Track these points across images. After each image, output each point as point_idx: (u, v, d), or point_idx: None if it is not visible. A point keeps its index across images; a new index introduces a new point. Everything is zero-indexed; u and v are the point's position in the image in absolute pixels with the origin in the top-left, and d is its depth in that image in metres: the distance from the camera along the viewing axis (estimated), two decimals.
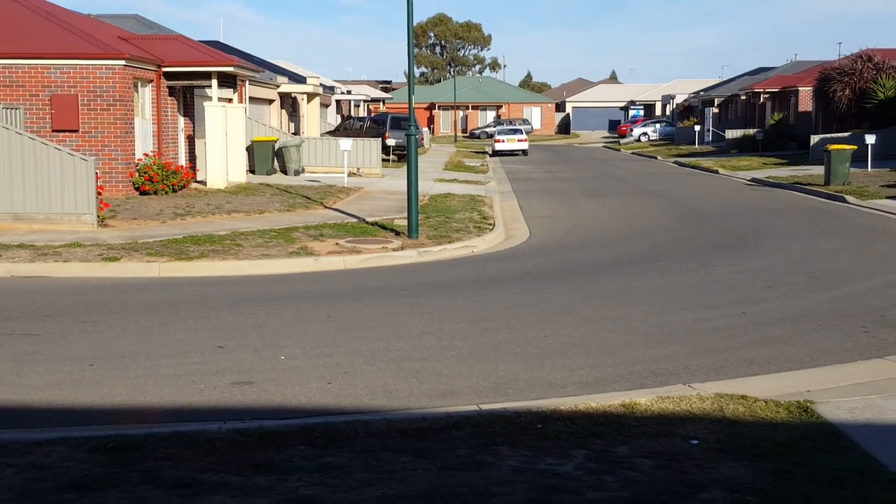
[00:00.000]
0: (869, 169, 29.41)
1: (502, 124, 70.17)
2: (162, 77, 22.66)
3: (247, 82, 30.37)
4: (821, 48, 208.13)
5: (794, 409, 6.61)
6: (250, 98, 31.94)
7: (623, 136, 73.53)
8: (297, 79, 41.75)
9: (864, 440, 6.01)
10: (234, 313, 10.38)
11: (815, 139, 36.93)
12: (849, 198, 22.74)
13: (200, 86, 23.96)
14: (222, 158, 23.40)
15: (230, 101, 25.82)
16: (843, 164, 25.68)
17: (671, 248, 15.68)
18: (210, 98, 23.49)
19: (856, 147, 27.35)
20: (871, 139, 29.87)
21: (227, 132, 23.58)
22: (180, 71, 23.00)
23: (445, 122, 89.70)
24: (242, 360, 8.33)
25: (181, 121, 24.36)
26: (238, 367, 8.07)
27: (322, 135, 39.31)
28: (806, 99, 48.54)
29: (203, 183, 23.67)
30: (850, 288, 11.66)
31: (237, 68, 23.88)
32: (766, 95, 56.24)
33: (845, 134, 36.09)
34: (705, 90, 75.98)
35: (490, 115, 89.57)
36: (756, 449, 5.77)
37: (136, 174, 20.98)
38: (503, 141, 51.69)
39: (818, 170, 28.65)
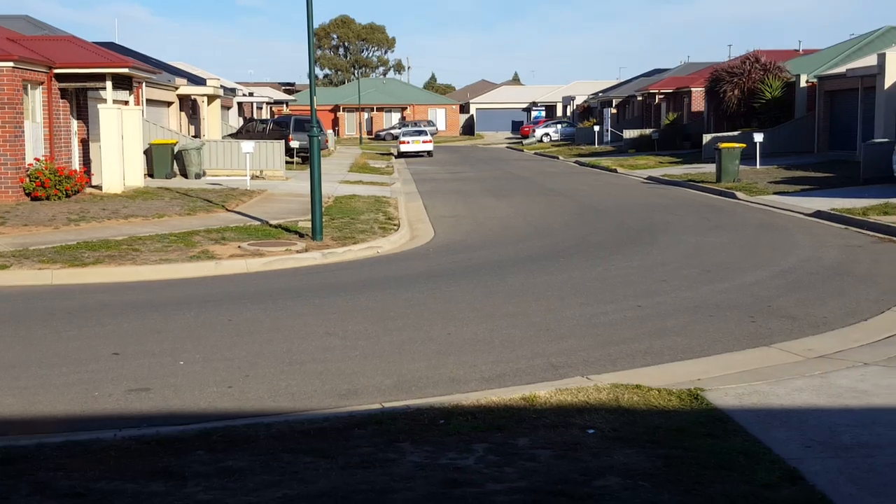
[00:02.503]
0: (758, 166, 30.59)
1: (407, 126, 70.30)
2: (53, 79, 21.94)
3: (143, 84, 29.66)
4: (712, 50, 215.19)
5: (686, 397, 6.85)
6: (148, 100, 31.21)
7: (526, 137, 74.57)
8: (197, 81, 40.95)
9: (750, 424, 6.28)
10: (132, 319, 10.16)
11: (707, 138, 38.21)
12: (739, 194, 23.61)
13: (94, 88, 23.30)
14: (118, 162, 22.82)
15: (126, 103, 25.16)
16: (733, 162, 26.66)
17: (571, 245, 16.01)
18: (105, 100, 22.86)
19: (745, 145, 28.42)
20: (759, 137, 31.10)
21: (123, 135, 23.01)
22: (72, 73, 22.31)
23: (350, 123, 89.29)
24: (140, 366, 8.16)
25: (74, 124, 23.62)
26: (135, 374, 7.91)
27: (224, 137, 38.68)
28: (699, 99, 50.15)
29: (99, 188, 23.02)
30: (740, 280, 12.13)
31: (132, 70, 23.31)
32: (661, 96, 57.89)
33: (735, 133, 37.44)
34: (604, 91, 77.65)
35: (395, 117, 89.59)
36: (649, 436, 5.96)
37: (27, 179, 20.27)
38: (408, 142, 51.83)
39: (710, 167, 29.65)
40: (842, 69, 34.54)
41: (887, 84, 29.30)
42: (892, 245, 14.83)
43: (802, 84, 38.89)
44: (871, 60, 31.64)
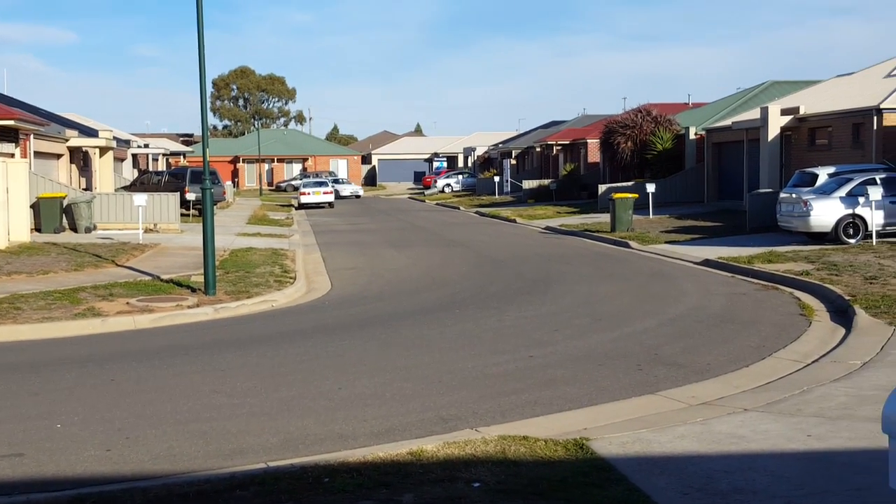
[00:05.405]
0: (651, 216, 31.57)
1: (309, 177, 70.05)
2: None
3: (31, 136, 28.81)
4: (607, 103, 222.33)
5: (571, 447, 6.93)
6: (36, 153, 30.31)
7: (428, 188, 75.21)
8: (89, 132, 40.05)
9: (632, 473, 6.39)
10: (7, 381, 9.73)
11: (602, 188, 39.29)
12: (632, 243, 24.27)
13: None
14: (2, 217, 22.01)
15: (12, 155, 24.38)
16: (626, 212, 27.45)
17: (468, 295, 16.13)
18: None
19: (638, 195, 29.38)
20: (651, 188, 32.17)
21: (7, 188, 22.25)
22: None
23: (250, 175, 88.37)
24: (13, 430, 7.81)
25: None
26: (8, 439, 7.56)
27: (117, 190, 37.76)
28: (594, 150, 51.62)
29: None
30: (629, 328, 12.41)
31: (18, 122, 22.70)
32: (559, 147, 59.40)
33: (629, 183, 38.62)
34: (504, 142, 79.19)
35: (296, 168, 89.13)
36: (533, 488, 6.00)
37: None
38: (309, 194, 51.62)
39: (606, 217, 30.43)
40: (728, 122, 36.13)
41: (770, 136, 30.77)
42: (775, 292, 15.40)
43: (692, 136, 40.46)
44: (755, 114, 33.22)
